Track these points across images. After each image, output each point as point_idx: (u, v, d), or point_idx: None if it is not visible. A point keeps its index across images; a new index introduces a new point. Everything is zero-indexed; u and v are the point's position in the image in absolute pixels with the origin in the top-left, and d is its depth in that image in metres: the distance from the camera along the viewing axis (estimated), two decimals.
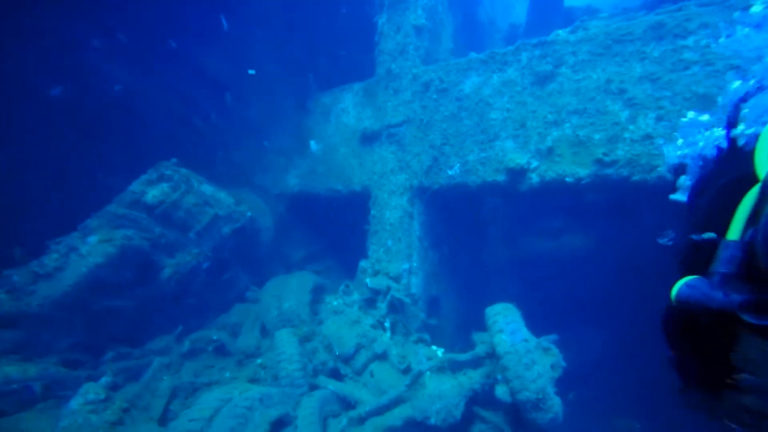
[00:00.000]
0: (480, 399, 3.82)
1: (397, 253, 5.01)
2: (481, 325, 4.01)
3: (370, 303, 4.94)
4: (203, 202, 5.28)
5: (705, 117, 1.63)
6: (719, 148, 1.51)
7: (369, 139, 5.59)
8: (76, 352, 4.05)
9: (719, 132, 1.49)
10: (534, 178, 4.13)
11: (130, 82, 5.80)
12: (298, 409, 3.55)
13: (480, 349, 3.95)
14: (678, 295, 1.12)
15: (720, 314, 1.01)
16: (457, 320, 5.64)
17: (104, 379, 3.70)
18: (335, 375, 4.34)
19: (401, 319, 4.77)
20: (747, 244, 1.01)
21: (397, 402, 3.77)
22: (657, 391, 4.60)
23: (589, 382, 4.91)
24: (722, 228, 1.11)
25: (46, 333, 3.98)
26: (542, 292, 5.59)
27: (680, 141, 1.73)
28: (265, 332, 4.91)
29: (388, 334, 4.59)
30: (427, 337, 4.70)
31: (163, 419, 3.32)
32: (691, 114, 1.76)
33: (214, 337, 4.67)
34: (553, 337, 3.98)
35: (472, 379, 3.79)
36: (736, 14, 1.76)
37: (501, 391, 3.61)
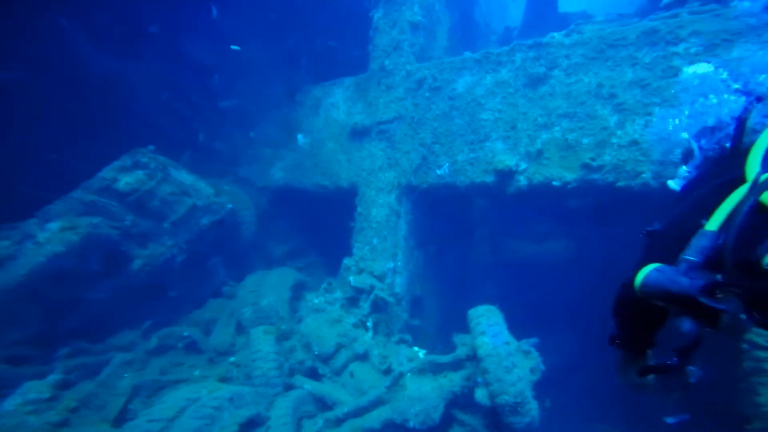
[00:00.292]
0: (459, 402, 3.77)
1: (383, 251, 4.92)
2: (463, 326, 3.96)
3: (352, 302, 4.83)
4: (181, 191, 5.04)
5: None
6: (721, 148, 1.51)
7: (359, 134, 5.48)
8: (26, 347, 3.73)
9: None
10: (522, 180, 4.11)
11: (105, 65, 5.49)
12: (271, 410, 3.40)
13: (461, 351, 3.91)
14: (646, 278, 1.20)
15: (681, 297, 1.10)
16: (438, 321, 5.59)
17: (52, 377, 3.42)
18: (313, 375, 4.21)
19: (384, 318, 4.68)
20: (719, 238, 1.09)
21: (376, 403, 3.68)
22: (636, 398, 4.65)
23: (569, 387, 4.94)
24: (703, 223, 1.18)
25: None
26: (525, 295, 5.60)
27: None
28: (240, 329, 4.73)
29: (370, 333, 4.50)
30: (409, 337, 4.64)
31: (120, 419, 3.08)
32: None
33: (185, 334, 4.44)
34: (534, 340, 3.97)
35: (453, 381, 3.75)
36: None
37: (480, 395, 3.57)
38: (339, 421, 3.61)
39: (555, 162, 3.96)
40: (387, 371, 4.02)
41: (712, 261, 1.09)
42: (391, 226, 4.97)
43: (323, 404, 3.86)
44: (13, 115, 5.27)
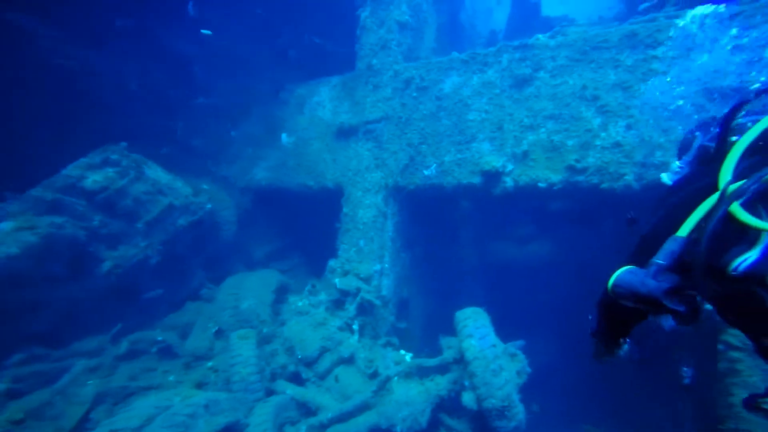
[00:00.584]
0: (446, 405, 3.72)
1: (369, 253, 4.82)
2: (449, 328, 3.91)
3: (337, 304, 4.71)
4: (156, 190, 4.79)
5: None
6: (705, 150, 1.49)
7: (345, 134, 5.38)
8: None
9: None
10: (508, 182, 4.11)
11: (70, 56, 5.16)
12: (250, 416, 3.24)
13: (448, 354, 3.86)
14: (618, 279, 1.26)
15: (647, 299, 1.17)
16: (424, 323, 5.53)
17: None
18: (296, 379, 4.06)
19: (370, 321, 4.58)
20: (688, 244, 1.14)
21: (362, 408, 3.58)
22: (622, 398, 4.71)
23: (554, 389, 4.96)
24: (677, 228, 1.22)
25: None
26: (510, 297, 5.62)
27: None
28: (219, 333, 4.51)
29: (356, 336, 4.38)
30: (395, 340, 4.55)
31: (80, 429, 2.83)
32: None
33: (159, 338, 4.20)
34: (520, 342, 3.96)
35: (439, 385, 3.70)
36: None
37: (468, 398, 3.53)
38: (323, 427, 3.48)
39: (541, 163, 3.98)
40: (373, 375, 3.92)
41: (682, 265, 1.15)
42: (378, 228, 4.88)
43: (307, 409, 3.72)
44: None
